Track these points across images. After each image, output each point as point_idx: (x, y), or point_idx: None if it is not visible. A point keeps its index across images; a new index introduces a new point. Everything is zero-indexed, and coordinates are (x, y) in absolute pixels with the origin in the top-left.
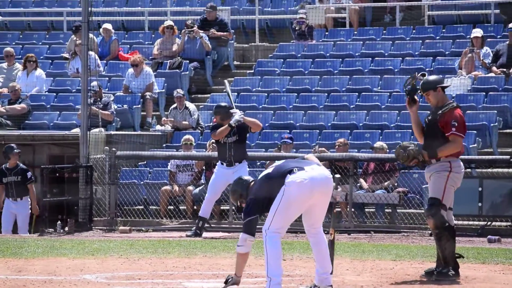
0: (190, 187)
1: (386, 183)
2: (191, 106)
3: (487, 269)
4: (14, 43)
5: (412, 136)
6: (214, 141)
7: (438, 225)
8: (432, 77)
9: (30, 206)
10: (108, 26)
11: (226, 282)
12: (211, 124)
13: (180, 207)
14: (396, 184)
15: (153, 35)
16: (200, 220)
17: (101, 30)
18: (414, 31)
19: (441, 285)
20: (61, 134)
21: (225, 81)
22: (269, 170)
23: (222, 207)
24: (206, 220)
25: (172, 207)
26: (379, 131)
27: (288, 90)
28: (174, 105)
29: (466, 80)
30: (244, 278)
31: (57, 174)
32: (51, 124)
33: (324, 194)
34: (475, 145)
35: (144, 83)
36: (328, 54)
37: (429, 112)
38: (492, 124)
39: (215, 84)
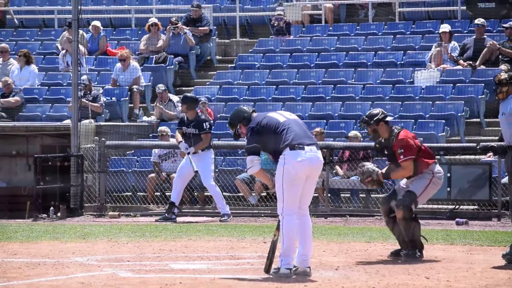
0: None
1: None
2: (175, 98)
3: (455, 250)
4: (8, 40)
5: None
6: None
7: (406, 216)
8: (375, 111)
9: None
10: (97, 23)
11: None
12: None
13: (166, 194)
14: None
15: (139, 32)
16: (170, 205)
17: (90, 27)
18: (385, 26)
19: (411, 264)
20: (53, 125)
21: None
22: (276, 117)
23: (206, 193)
24: (175, 205)
25: (158, 194)
26: (353, 121)
27: (268, 83)
28: (158, 99)
29: (435, 72)
30: (226, 260)
31: (50, 163)
32: (44, 116)
33: (314, 175)
34: (444, 133)
35: (131, 77)
36: (305, 49)
37: None
38: (459, 114)
39: (198, 78)
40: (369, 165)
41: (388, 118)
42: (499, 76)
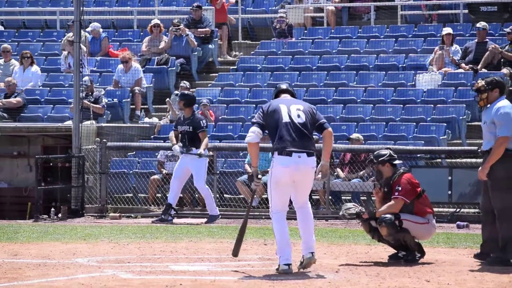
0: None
1: (361, 173)
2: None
3: (456, 253)
4: (10, 41)
5: (385, 128)
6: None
7: (391, 232)
8: (383, 152)
9: None
10: (95, 25)
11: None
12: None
13: (167, 195)
14: (371, 173)
15: (141, 33)
16: (167, 206)
17: (88, 28)
18: (387, 29)
19: (412, 267)
20: (55, 126)
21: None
22: (281, 112)
23: None
24: (171, 206)
25: (159, 195)
26: (355, 123)
27: (269, 85)
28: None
29: (437, 75)
30: (227, 261)
31: (51, 164)
32: (45, 117)
33: (302, 180)
34: (445, 136)
35: (133, 78)
36: (307, 51)
37: None
38: (461, 117)
39: (200, 80)
40: (352, 208)
41: (396, 162)
42: (477, 85)
